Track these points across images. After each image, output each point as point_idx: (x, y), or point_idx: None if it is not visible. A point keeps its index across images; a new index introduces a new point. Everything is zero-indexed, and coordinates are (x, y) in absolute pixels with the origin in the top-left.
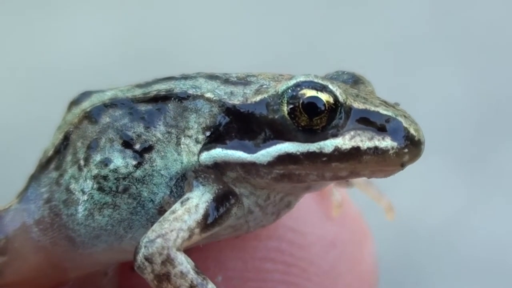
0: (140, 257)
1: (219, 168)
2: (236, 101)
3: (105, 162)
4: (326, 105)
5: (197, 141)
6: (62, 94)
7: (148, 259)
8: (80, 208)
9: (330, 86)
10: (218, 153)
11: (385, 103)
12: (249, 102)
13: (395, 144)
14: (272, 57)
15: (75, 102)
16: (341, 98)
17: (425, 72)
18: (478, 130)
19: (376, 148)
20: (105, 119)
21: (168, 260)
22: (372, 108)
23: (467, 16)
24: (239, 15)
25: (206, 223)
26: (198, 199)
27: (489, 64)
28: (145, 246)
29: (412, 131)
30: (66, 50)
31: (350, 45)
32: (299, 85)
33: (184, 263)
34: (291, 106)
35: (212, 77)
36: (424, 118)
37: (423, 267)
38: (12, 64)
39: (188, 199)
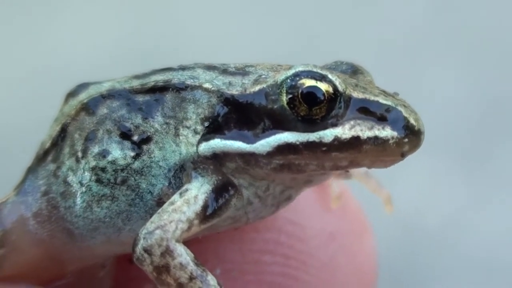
0: (139, 248)
1: (218, 159)
2: (234, 91)
3: (103, 154)
4: (326, 94)
5: (195, 132)
6: (60, 93)
7: (147, 250)
8: (78, 200)
9: (330, 76)
10: (217, 143)
11: (385, 93)
12: (247, 92)
13: (395, 133)
14: (271, 56)
15: (72, 94)
16: (340, 88)
17: (425, 71)
18: (479, 129)
19: (376, 137)
20: (102, 110)
21: (167, 252)
22: (372, 98)
23: (467, 16)
24: (239, 14)
25: (205, 214)
26: (197, 190)
27: (489, 64)
28: (144, 238)
29: (412, 120)
30: (64, 49)
31: (350, 44)
32: (298, 75)
33: (183, 254)
34: (290, 96)
35: (210, 67)
36: (424, 117)
37: (423, 266)
38: (10, 64)
39: (187, 190)
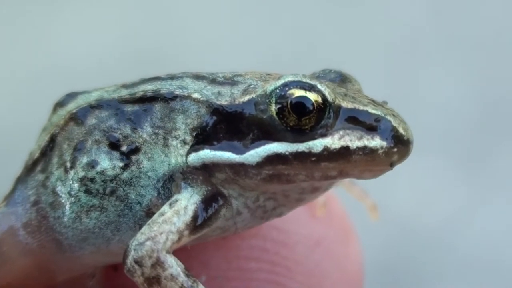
0: (129, 260)
1: (207, 169)
2: (223, 101)
3: (92, 164)
4: (315, 104)
5: (184, 142)
6: (58, 95)
7: (138, 262)
8: (67, 211)
9: (319, 86)
10: (206, 154)
11: (373, 102)
12: (237, 102)
13: (384, 143)
14: (271, 57)
15: (60, 104)
16: (329, 98)
17: (425, 72)
18: (478, 129)
19: (365, 147)
20: (91, 121)
21: (158, 263)
22: (361, 107)
23: (466, 16)
24: (238, 15)
25: (195, 225)
26: (187, 201)
27: (488, 64)
28: (134, 249)
29: (401, 130)
30: (62, 51)
31: (350, 45)
32: (287, 85)
33: (174, 265)
34: (279, 106)
35: (198, 77)
36: (424, 117)
37: (423, 267)
38: (8, 65)
39: (176, 200)
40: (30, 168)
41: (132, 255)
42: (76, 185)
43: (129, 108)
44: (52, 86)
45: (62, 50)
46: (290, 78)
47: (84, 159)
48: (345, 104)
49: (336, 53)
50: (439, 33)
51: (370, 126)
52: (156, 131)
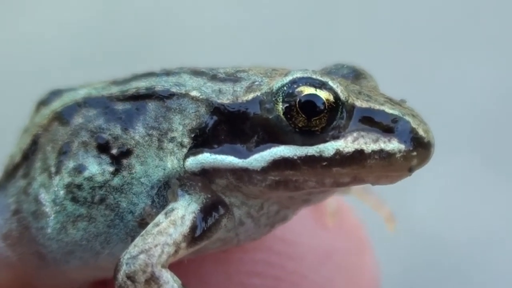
0: (121, 275)
1: (207, 175)
2: (225, 100)
3: (79, 169)
4: (326, 104)
5: (182, 145)
6: (30, 93)
7: (130, 277)
8: (51, 221)
9: (330, 83)
10: (206, 158)
11: (391, 101)
12: (240, 101)
13: (402, 146)
14: (268, 51)
15: (44, 102)
16: (342, 96)
17: (454, 64)
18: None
19: (381, 151)
20: (77, 120)
21: (153, 279)
22: (377, 107)
23: (493, 4)
24: (236, 4)
25: (193, 237)
26: (184, 210)
27: None
28: (126, 263)
29: (421, 132)
30: (31, 42)
31: (358, 38)
32: (295, 82)
33: (170, 281)
34: (287, 105)
35: (197, 73)
36: (450, 112)
37: (446, 283)
38: None
39: (173, 210)
40: (10, 174)
41: (124, 269)
42: (61, 193)
43: (119, 106)
44: (25, 82)
45: (26, 43)
46: (298, 74)
47: (70, 164)
48: (359, 103)
49: (350, 44)
50: (464, 25)
51: (387, 127)
52: (150, 132)
